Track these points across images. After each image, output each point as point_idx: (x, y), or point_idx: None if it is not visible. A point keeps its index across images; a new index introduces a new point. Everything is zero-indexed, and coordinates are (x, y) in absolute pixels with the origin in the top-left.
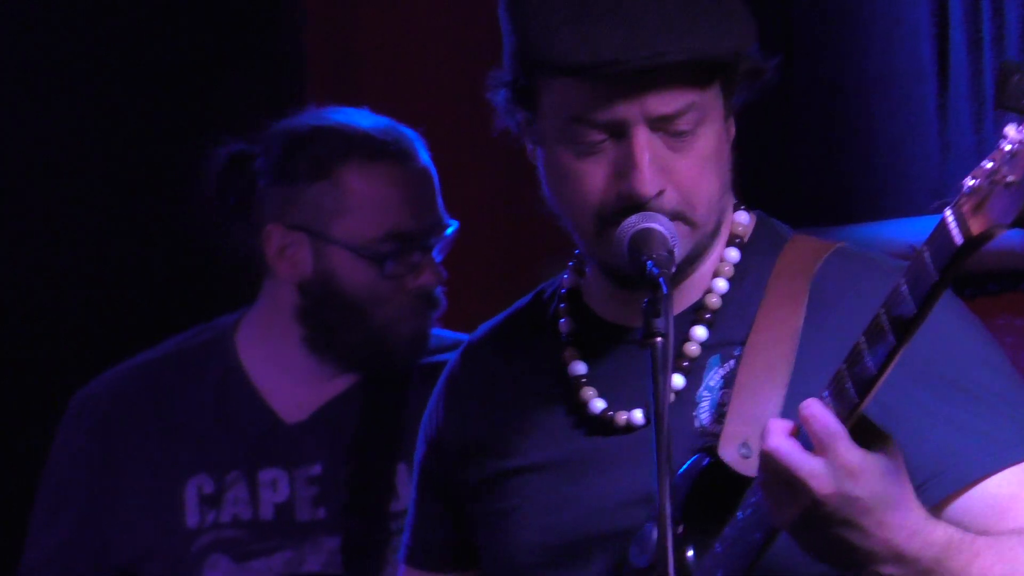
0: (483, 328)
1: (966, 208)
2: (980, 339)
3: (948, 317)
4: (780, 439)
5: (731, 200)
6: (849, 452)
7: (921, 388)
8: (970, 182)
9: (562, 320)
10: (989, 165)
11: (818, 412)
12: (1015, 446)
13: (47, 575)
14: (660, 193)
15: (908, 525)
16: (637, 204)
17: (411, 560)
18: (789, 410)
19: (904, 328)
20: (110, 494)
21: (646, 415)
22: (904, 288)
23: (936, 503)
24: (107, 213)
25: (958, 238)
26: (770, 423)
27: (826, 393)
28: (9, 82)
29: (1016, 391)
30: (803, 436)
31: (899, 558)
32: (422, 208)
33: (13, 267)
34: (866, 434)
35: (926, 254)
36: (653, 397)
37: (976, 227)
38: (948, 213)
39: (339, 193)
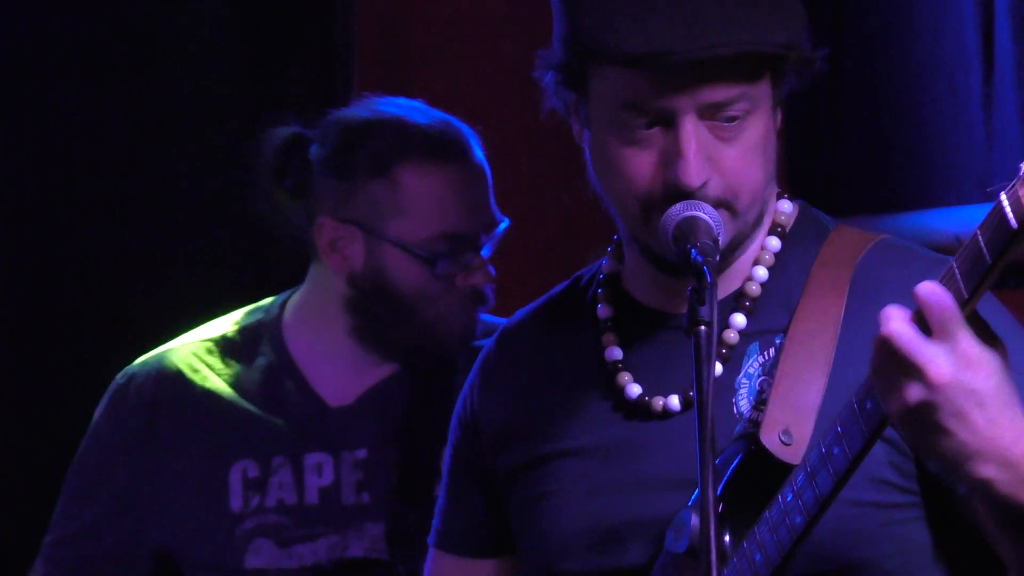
0: (519, 314)
1: (1022, 192)
2: (1014, 331)
3: (989, 314)
4: (900, 323)
5: (774, 189)
6: (969, 342)
7: None
8: None
9: (600, 305)
10: None
11: (940, 297)
12: None
13: (77, 550)
14: (705, 183)
15: (1015, 427)
16: (682, 193)
17: (442, 544)
18: (830, 399)
19: None
20: (153, 474)
21: (683, 401)
22: (956, 271)
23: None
24: (157, 196)
25: (1013, 222)
26: (888, 309)
27: (839, 427)
28: (69, 76)
29: None
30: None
31: (1003, 460)
32: (475, 208)
33: (56, 245)
34: (979, 333)
35: (980, 238)
36: (696, 385)
37: None
38: (1003, 197)
39: (395, 191)
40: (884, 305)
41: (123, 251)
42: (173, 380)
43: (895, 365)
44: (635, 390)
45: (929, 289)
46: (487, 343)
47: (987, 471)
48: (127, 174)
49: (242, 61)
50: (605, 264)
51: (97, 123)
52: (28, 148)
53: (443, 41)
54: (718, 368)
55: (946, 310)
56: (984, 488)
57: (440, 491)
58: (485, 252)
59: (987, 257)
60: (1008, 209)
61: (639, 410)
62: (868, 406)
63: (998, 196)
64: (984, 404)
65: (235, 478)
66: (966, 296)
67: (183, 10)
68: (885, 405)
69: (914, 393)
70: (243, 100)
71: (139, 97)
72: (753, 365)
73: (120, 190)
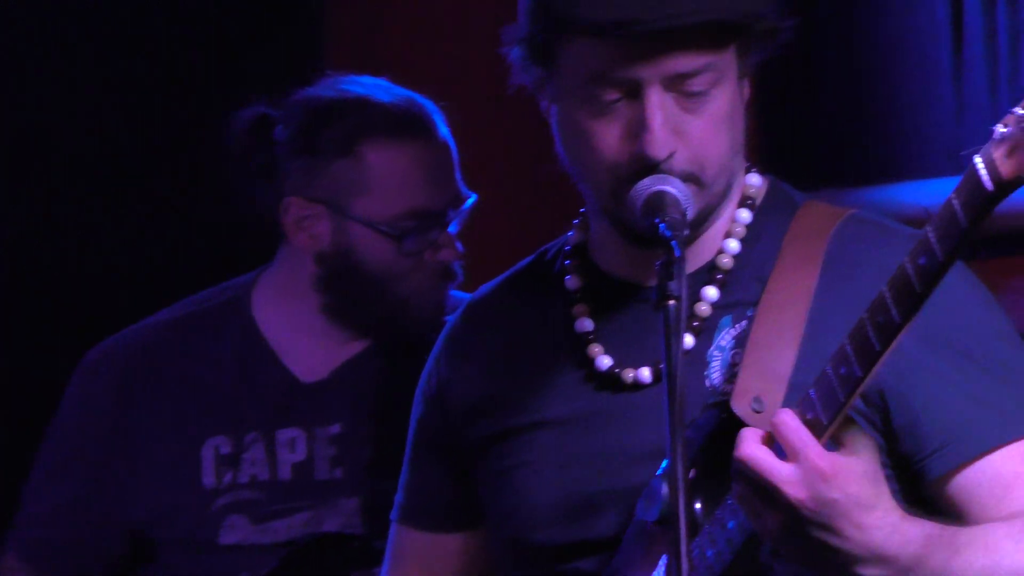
0: (485, 287)
1: (997, 154)
2: (992, 311)
3: (961, 289)
4: (752, 447)
5: (742, 162)
6: (820, 457)
7: (934, 358)
8: (1001, 129)
9: (568, 276)
10: (1022, 111)
11: (788, 420)
12: (1022, 421)
13: (50, 530)
14: (671, 155)
15: (885, 525)
16: (649, 165)
17: (405, 519)
18: (800, 368)
19: (930, 277)
20: (126, 453)
21: (654, 373)
22: (931, 236)
23: (942, 475)
24: (122, 177)
25: (988, 184)
26: (741, 432)
27: (812, 392)
28: (42, 57)
29: None
30: (776, 445)
31: (879, 558)
32: (441, 185)
33: (32, 225)
34: (846, 434)
35: (955, 202)
36: (666, 359)
37: (1008, 171)
38: (978, 160)
39: (361, 170)
40: (860, 279)
41: (92, 232)
42: (144, 357)
43: (754, 490)
44: (605, 362)
45: (780, 415)
46: (452, 316)
47: (868, 571)
48: (96, 156)
49: (209, 40)
50: (572, 236)
51: (63, 106)
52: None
53: (411, 19)
54: (689, 340)
55: (796, 432)
56: None
57: (403, 466)
58: (453, 228)
59: (962, 221)
60: (983, 171)
61: (610, 382)
62: (843, 371)
63: (971, 160)
64: (847, 512)
65: (207, 454)
66: (942, 259)
67: None
68: (756, 529)
69: (777, 514)
70: (211, 80)
71: (104, 79)
72: (726, 338)
73: (88, 174)
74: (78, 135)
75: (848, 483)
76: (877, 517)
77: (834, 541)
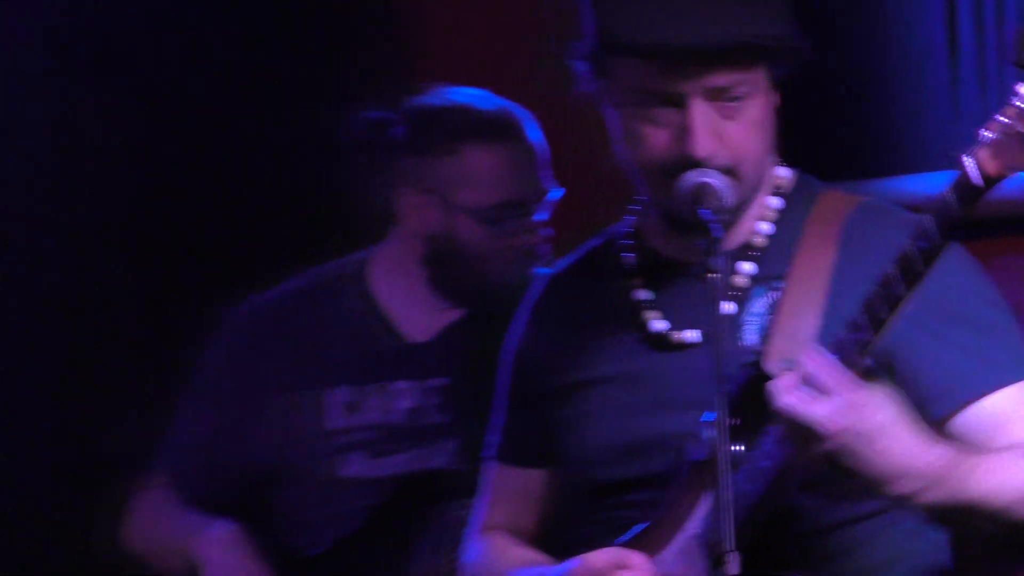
0: (562, 262)
1: (983, 155)
2: (980, 279)
3: (955, 264)
4: (788, 397)
5: (773, 158)
6: (851, 390)
7: (931, 319)
8: (987, 134)
9: (628, 255)
10: (1003, 119)
11: (818, 362)
12: (1010, 370)
13: (187, 461)
14: (712, 156)
15: (911, 447)
16: (693, 163)
17: (502, 456)
18: (824, 330)
19: (929, 257)
20: (257, 398)
21: (701, 335)
22: (930, 223)
23: (942, 418)
24: (233, 178)
25: (977, 179)
26: (775, 384)
27: (831, 352)
28: (165, 49)
29: (1010, 323)
30: (807, 389)
31: (908, 475)
32: (528, 181)
33: (185, 213)
34: (866, 377)
35: (950, 195)
36: (710, 321)
37: (992, 170)
38: (968, 160)
39: (463, 168)
40: (871, 257)
41: (210, 225)
42: (277, 318)
43: (796, 429)
44: (660, 325)
45: (809, 360)
46: (535, 286)
47: (902, 487)
48: (210, 157)
49: (309, 50)
50: (630, 220)
51: (174, 111)
52: (120, 130)
53: (492, 28)
54: (730, 308)
55: (828, 372)
56: (908, 500)
57: (496, 412)
58: (541, 216)
59: (956, 210)
60: (973, 169)
61: (662, 343)
62: (856, 335)
63: (962, 159)
64: (876, 438)
65: (331, 401)
66: (940, 241)
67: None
68: (802, 459)
69: (818, 447)
70: (313, 86)
71: (216, 84)
72: (759, 305)
73: (202, 173)
74: (189, 140)
75: (877, 412)
76: (905, 441)
77: (866, 466)
